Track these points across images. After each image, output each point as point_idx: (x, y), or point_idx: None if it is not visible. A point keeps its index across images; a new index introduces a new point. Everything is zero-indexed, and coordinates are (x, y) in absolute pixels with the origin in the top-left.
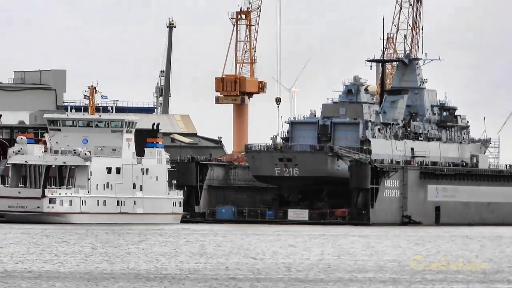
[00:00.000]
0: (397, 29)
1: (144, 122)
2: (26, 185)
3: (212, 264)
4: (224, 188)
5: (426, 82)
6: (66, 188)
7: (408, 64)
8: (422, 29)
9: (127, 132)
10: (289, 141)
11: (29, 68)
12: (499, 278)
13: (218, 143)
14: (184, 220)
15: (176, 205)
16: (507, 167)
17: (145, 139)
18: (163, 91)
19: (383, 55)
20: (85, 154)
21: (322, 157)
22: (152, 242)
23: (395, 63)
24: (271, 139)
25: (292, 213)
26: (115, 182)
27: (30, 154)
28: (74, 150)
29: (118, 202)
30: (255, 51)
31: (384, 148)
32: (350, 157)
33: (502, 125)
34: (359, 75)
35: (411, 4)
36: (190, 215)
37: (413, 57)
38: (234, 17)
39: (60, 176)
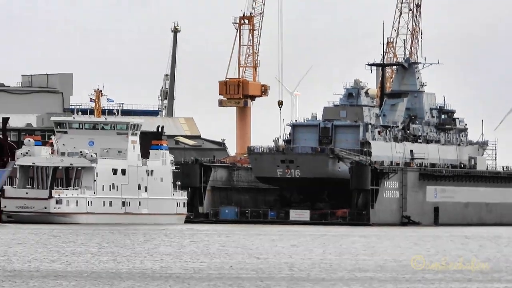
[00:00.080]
0: (397, 34)
1: (149, 124)
2: (33, 186)
3: (216, 264)
4: (227, 189)
5: (425, 85)
6: (73, 189)
7: (407, 68)
8: (421, 34)
9: (132, 134)
10: (291, 143)
11: (36, 72)
12: (498, 277)
13: (221, 145)
14: (188, 221)
15: (180, 205)
16: (504, 169)
17: (150, 141)
18: (168, 94)
19: (383, 59)
20: (91, 156)
21: (323, 159)
22: (157, 242)
23: (395, 67)
24: (273, 141)
25: (294, 214)
26: (121, 183)
27: (38, 155)
28: (81, 152)
29: (123, 202)
30: (257, 55)
31: (384, 150)
32: (350, 159)
33: (498, 124)
34: (359, 78)
35: (410, 10)
36: (194, 216)
37: (413, 61)
38: (237, 22)
39: (67, 177)
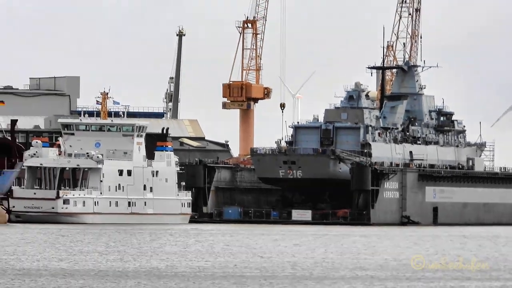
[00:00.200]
0: (397, 38)
1: (154, 126)
2: (41, 187)
3: (221, 262)
4: (230, 189)
5: (424, 88)
6: (80, 190)
7: (407, 71)
8: (420, 38)
9: (138, 136)
10: (293, 145)
11: (44, 75)
12: (496, 275)
13: (225, 147)
14: (192, 220)
15: (185, 205)
16: (502, 170)
17: (155, 143)
18: (173, 97)
19: (383, 62)
20: (98, 157)
21: (324, 160)
22: (163, 241)
23: (394, 70)
24: (275, 142)
25: (296, 214)
26: (127, 183)
27: (45, 157)
28: (87, 153)
29: (129, 203)
30: (260, 59)
31: (384, 152)
32: (351, 160)
33: (495, 121)
34: (360, 81)
35: (410, 14)
36: (198, 216)
37: (412, 64)
38: (241, 26)
39: (74, 178)
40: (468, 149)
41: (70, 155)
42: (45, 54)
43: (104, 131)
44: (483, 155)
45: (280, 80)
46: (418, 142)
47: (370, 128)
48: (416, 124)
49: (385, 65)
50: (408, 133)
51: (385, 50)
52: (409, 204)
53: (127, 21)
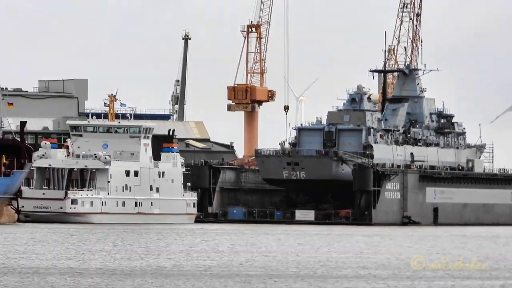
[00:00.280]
0: (398, 42)
1: (160, 128)
2: (49, 187)
3: (226, 261)
4: (235, 190)
5: (425, 91)
6: (87, 190)
7: (408, 74)
8: (421, 42)
9: (144, 137)
10: (296, 146)
11: (52, 78)
12: (496, 274)
13: (229, 148)
14: (197, 220)
15: (191, 206)
16: (501, 171)
17: (161, 144)
18: (179, 99)
19: (384, 66)
20: (105, 158)
21: (327, 161)
22: (170, 240)
23: (396, 73)
24: (279, 144)
25: (299, 214)
26: (133, 184)
27: (54, 158)
28: (95, 154)
29: (136, 203)
30: (264, 62)
31: (386, 153)
32: (353, 161)
33: (495, 118)
34: (362, 84)
35: (411, 19)
36: (204, 216)
37: (413, 67)
38: (245, 30)
39: (82, 178)
40: (468, 150)
41: (78, 156)
42: (54, 57)
43: (111, 132)
44: (482, 156)
45: (284, 83)
46: (419, 144)
47: (372, 130)
48: (417, 126)
49: (386, 69)
50: (409, 135)
51: (386, 54)
52: (410, 205)
53: (133, 25)
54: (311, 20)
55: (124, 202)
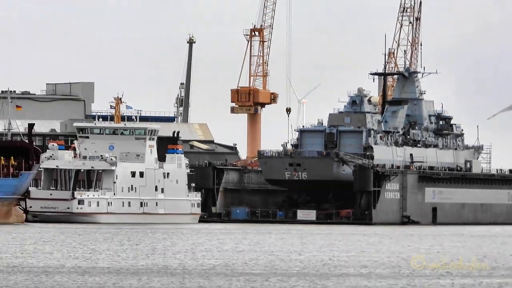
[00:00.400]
0: (398, 45)
1: (165, 130)
2: (57, 188)
3: (231, 260)
4: (238, 190)
5: (424, 93)
6: (94, 191)
7: (407, 77)
8: (420, 45)
9: (149, 139)
10: (298, 148)
11: (60, 81)
12: (495, 273)
13: (233, 150)
14: (201, 220)
15: (195, 206)
16: (498, 172)
17: (166, 146)
18: (183, 102)
19: (384, 69)
20: (111, 159)
21: (328, 162)
22: (175, 240)
23: (396, 76)
24: (281, 145)
25: (301, 214)
26: (139, 185)
27: (61, 159)
28: (101, 155)
29: (141, 203)
30: (267, 65)
31: (386, 154)
32: (354, 162)
33: (491, 116)
34: (362, 87)
35: (411, 23)
36: (207, 215)
37: (412, 70)
38: (248, 34)
39: (88, 179)
40: (466, 151)
41: (85, 157)
42: (61, 60)
43: (117, 134)
44: (480, 157)
45: (286, 85)
46: (418, 145)
47: (372, 131)
48: (416, 128)
49: (386, 72)
50: (408, 137)
51: (386, 57)
52: (409, 205)
53: (138, 30)
54: (312, 24)
55: (129, 202)
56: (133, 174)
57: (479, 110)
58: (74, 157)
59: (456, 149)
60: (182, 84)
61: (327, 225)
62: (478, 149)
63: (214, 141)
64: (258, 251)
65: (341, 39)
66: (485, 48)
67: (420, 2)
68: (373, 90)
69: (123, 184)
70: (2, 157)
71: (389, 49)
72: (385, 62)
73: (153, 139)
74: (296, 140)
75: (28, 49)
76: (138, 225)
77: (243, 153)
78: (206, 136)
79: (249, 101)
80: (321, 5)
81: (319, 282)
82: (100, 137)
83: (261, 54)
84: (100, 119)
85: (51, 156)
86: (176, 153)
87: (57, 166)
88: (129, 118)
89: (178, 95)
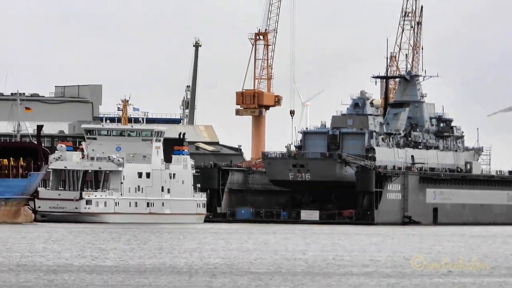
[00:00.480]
0: (400, 49)
1: (171, 131)
2: (65, 188)
3: (236, 259)
4: (243, 191)
5: (426, 96)
6: (101, 191)
7: (409, 80)
8: (422, 49)
9: (156, 140)
10: (301, 149)
11: (68, 83)
12: (495, 272)
13: (238, 151)
14: (207, 220)
15: (200, 206)
16: (498, 173)
17: (172, 147)
18: (189, 104)
19: (386, 72)
20: (119, 160)
21: (331, 164)
22: (181, 239)
23: (397, 79)
24: (285, 147)
25: (304, 214)
26: (145, 185)
27: (69, 160)
28: (109, 156)
29: (148, 203)
30: (271, 68)
31: (387, 156)
32: (356, 163)
33: (492, 113)
34: (365, 90)
35: (412, 27)
36: (213, 215)
37: (414, 74)
38: (253, 37)
39: (96, 180)
40: (466, 153)
41: (92, 158)
42: (70, 63)
43: (124, 136)
44: (480, 159)
45: (290, 88)
46: (419, 147)
47: (374, 133)
48: (418, 130)
49: (388, 75)
50: (410, 139)
51: (388, 60)
52: (410, 205)
53: (145, 34)
54: (316, 28)
55: (136, 202)
56: (139, 175)
57: (479, 113)
58: (82, 158)
59: (456, 151)
60: (188, 86)
61: (330, 225)
62: (478, 151)
63: (219, 143)
64: (263, 251)
65: (343, 43)
66: (485, 51)
67: (422, 7)
68: (375, 93)
69: (130, 185)
70: (11, 158)
71: (391, 53)
72: (387, 66)
73: (159, 140)
74: (299, 142)
75: (37, 52)
76: (145, 225)
77: (247, 155)
78: (212, 137)
79: (253, 104)
80: (325, 9)
81: (323, 280)
82: (107, 139)
83: (266, 58)
84: (108, 121)
85: (59, 157)
86: (182, 154)
87: (65, 167)
88: (136, 120)
89: (184, 97)
